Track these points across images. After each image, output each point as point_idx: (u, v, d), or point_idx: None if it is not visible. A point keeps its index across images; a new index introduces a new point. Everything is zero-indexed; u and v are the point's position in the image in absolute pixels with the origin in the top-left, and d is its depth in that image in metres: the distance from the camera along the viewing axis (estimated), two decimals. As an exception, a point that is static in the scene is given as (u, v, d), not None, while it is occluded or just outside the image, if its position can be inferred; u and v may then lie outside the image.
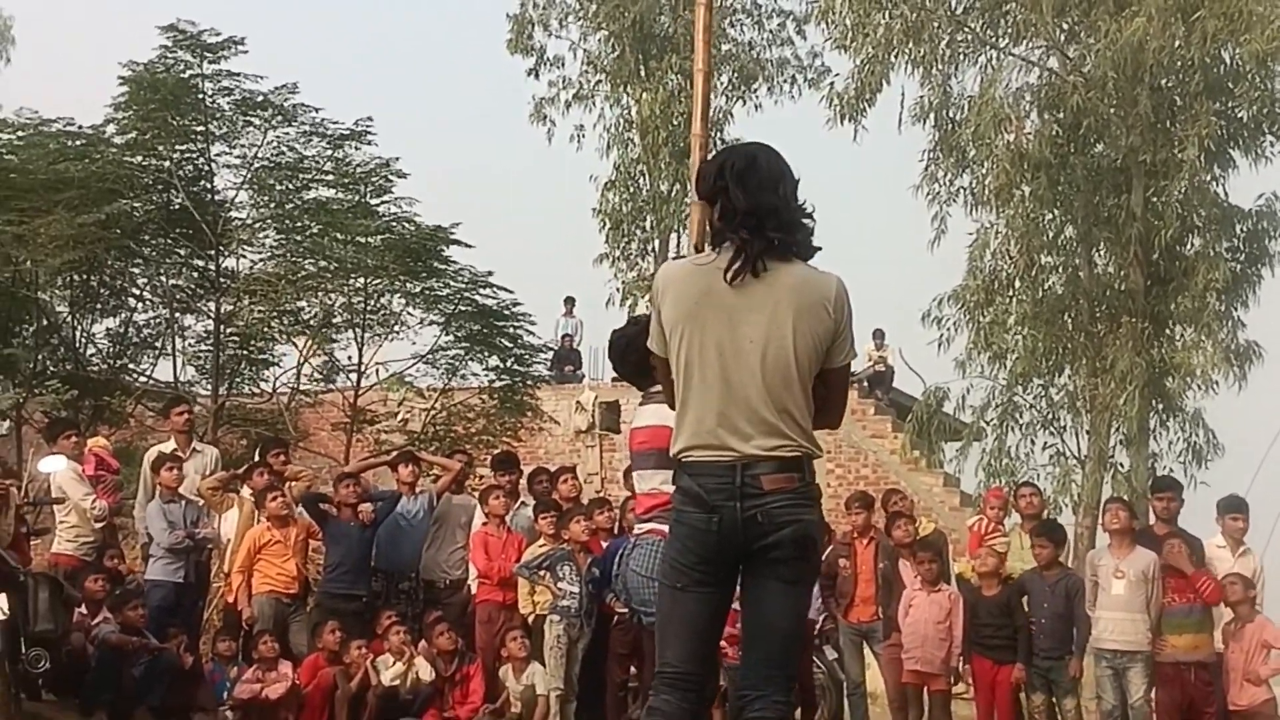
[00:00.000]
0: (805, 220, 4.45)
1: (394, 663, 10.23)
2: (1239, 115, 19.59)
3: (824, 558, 11.67)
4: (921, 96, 20.52)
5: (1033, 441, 20.01)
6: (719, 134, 25.72)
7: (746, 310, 4.35)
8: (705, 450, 4.39)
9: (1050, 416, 20.18)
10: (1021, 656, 9.50)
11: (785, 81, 25.63)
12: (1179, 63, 19.02)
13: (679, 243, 24.92)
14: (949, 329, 20.12)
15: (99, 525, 11.02)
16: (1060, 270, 20.53)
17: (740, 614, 4.57)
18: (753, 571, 4.45)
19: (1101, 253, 20.41)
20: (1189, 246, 19.74)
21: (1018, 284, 19.98)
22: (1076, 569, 10.77)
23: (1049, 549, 9.74)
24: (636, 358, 5.56)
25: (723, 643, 4.96)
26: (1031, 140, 19.41)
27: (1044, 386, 20.28)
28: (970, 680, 10.03)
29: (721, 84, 25.70)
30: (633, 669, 10.34)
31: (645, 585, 5.53)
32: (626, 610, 5.81)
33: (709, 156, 4.76)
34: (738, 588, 4.52)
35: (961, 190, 20.54)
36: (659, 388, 5.09)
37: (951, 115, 20.45)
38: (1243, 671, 8.84)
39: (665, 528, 5.03)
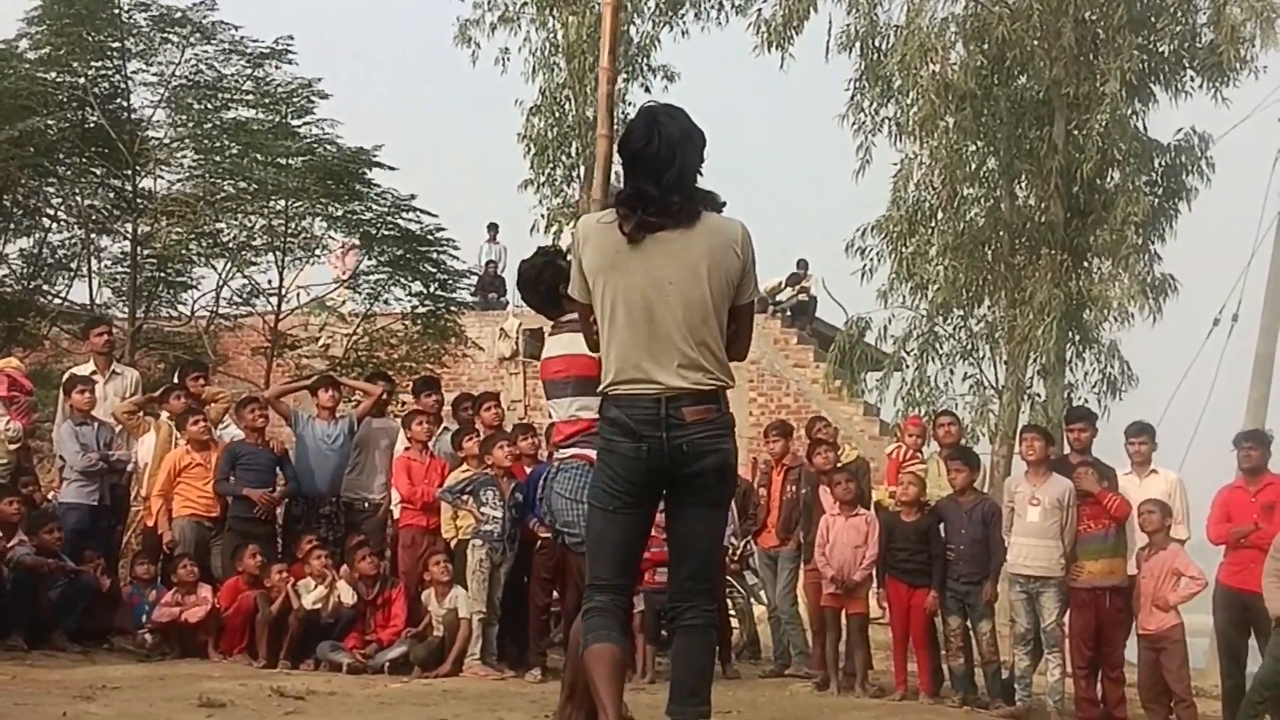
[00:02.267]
0: (699, 189, 4.85)
1: (315, 586, 10.21)
2: (1160, 50, 19.72)
3: (744, 486, 11.87)
4: (848, 25, 20.45)
5: (952, 371, 20.15)
6: (645, 60, 25.56)
7: (664, 256, 4.75)
8: (631, 384, 4.77)
9: (970, 347, 20.32)
10: (935, 582, 9.63)
11: (712, 7, 25.28)
12: (1103, -5, 19.12)
13: (623, 177, 24.71)
14: (872, 259, 20.17)
15: (13, 447, 10.87)
16: (982, 202, 20.59)
17: (667, 535, 4.93)
18: (677, 497, 4.85)
19: (1023, 185, 20.50)
20: (1109, 180, 19.87)
21: (940, 215, 20.02)
22: (993, 496, 10.92)
23: (965, 472, 9.86)
24: (545, 288, 5.92)
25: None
26: (956, 71, 19.42)
27: (964, 317, 20.40)
28: (886, 604, 10.17)
29: (648, 9, 25.43)
30: (554, 593, 10.43)
31: (570, 508, 5.63)
32: (550, 533, 5.83)
33: (618, 91, 4.95)
34: (660, 510, 4.91)
35: (886, 121, 20.53)
36: (570, 316, 5.60)
37: (878, 45, 20.39)
38: (1152, 597, 9.04)
39: (589, 452, 5.40)
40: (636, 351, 4.75)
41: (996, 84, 19.68)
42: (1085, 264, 19.84)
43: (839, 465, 10.69)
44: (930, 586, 9.64)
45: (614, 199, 4.92)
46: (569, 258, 5.99)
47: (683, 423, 4.72)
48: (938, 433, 11.11)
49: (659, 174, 4.78)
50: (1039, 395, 19.78)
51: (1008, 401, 19.55)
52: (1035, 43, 19.20)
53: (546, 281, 5.95)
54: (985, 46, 19.34)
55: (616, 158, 5.10)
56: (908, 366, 20.10)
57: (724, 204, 4.98)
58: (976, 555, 9.56)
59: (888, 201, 20.26)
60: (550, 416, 6.16)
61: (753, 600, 12.49)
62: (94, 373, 11.54)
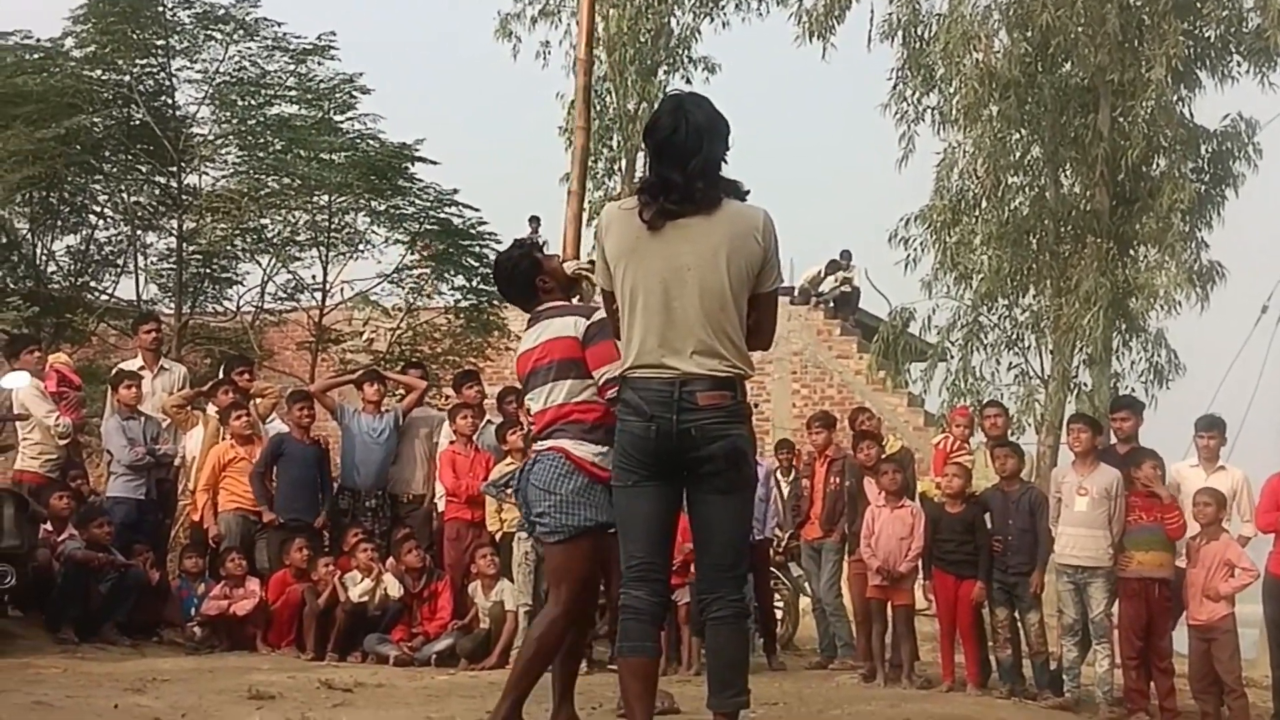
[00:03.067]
0: (723, 177, 4.89)
1: (362, 579, 10.26)
2: (1206, 35, 19.54)
3: (790, 477, 11.85)
4: (890, 14, 20.37)
5: (997, 361, 20.08)
6: (686, 52, 25.54)
7: (683, 242, 4.79)
8: (648, 369, 4.82)
9: (1015, 336, 20.23)
10: (981, 573, 9.56)
11: (753, -2, 25.33)
12: (1148, -19, 18.97)
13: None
14: (915, 249, 20.10)
15: (63, 442, 10.96)
16: (1026, 190, 20.49)
17: (690, 527, 4.99)
18: (692, 485, 4.90)
19: (1068, 173, 20.38)
20: (1155, 167, 19.72)
21: (984, 204, 19.92)
22: (1039, 486, 10.85)
23: (1014, 459, 9.79)
24: (522, 280, 5.95)
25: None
26: (1000, 59, 19.29)
27: (1009, 307, 20.31)
28: (932, 596, 10.12)
29: (689, 1, 25.45)
30: (601, 585, 10.42)
31: (543, 498, 5.62)
32: (528, 527, 5.92)
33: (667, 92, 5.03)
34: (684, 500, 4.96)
35: (929, 109, 20.45)
36: (546, 306, 5.80)
37: (920, 33, 20.29)
38: (1203, 587, 8.94)
39: (567, 443, 5.56)
40: (654, 337, 4.80)
41: (1040, 71, 19.57)
42: (1131, 252, 19.71)
43: (885, 456, 10.63)
44: (976, 577, 9.57)
45: (638, 186, 4.94)
46: (544, 251, 6.11)
47: (695, 406, 4.76)
48: (984, 424, 11.04)
49: (685, 161, 4.81)
50: (1085, 385, 19.66)
51: (1053, 391, 19.45)
52: (1079, 29, 19.07)
53: (522, 275, 5.96)
54: (1029, 33, 19.22)
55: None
56: (952, 357, 20.04)
57: (747, 192, 4.97)
58: (1024, 545, 9.48)
59: (931, 191, 20.21)
60: (528, 413, 6.14)
61: (797, 592, 12.45)
62: (142, 368, 11.64)
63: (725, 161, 4.95)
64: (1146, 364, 19.68)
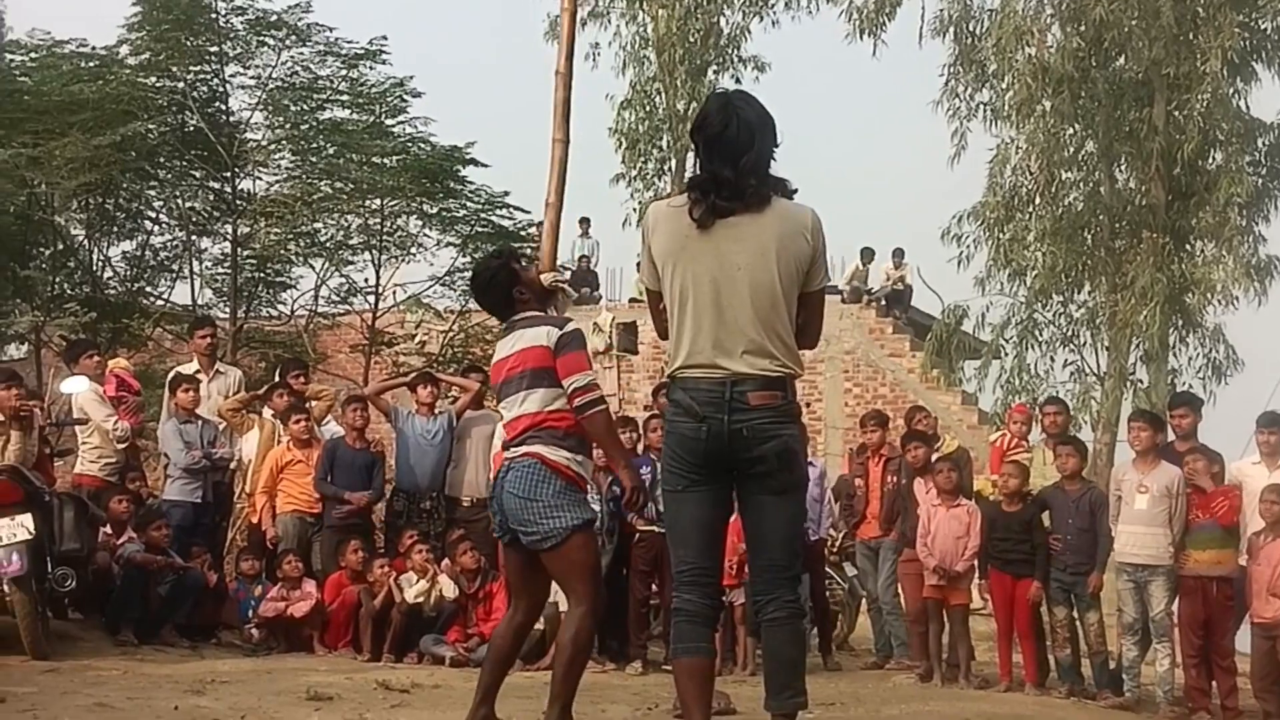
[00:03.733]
0: (771, 175, 4.85)
1: (417, 580, 10.28)
2: (1262, 27, 19.35)
3: (841, 476, 11.79)
4: (941, 10, 20.32)
5: (1052, 359, 19.97)
6: (736, 51, 25.51)
7: (733, 241, 4.75)
8: (699, 369, 4.79)
9: (1070, 333, 20.10)
10: (1039, 573, 9.48)
11: (803, -4, 25.25)
12: (1203, -27, 18.79)
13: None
14: (969, 246, 20.03)
15: (121, 446, 11.05)
16: (1081, 186, 20.35)
17: (743, 528, 4.98)
18: (744, 486, 4.88)
19: (1122, 168, 20.23)
20: (1210, 161, 19.54)
21: (1038, 200, 19.80)
22: (1097, 484, 10.75)
23: (1075, 458, 9.71)
24: (499, 290, 5.94)
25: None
26: (1053, 54, 19.16)
27: (1064, 303, 20.19)
28: (988, 595, 10.05)
29: (738, 0, 25.41)
30: (654, 586, 10.42)
31: (525, 507, 5.64)
32: (502, 531, 5.87)
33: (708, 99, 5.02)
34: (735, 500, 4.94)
35: (981, 106, 20.38)
36: (520, 315, 5.81)
37: (972, 29, 20.23)
38: (1268, 585, 8.82)
39: (542, 449, 5.59)
40: (704, 337, 4.77)
41: (1094, 66, 19.42)
42: (1187, 247, 19.53)
43: (941, 455, 10.56)
44: (1034, 577, 9.49)
45: (687, 183, 4.91)
46: (524, 260, 6.14)
47: (746, 407, 4.73)
48: (1044, 421, 10.94)
49: (737, 157, 4.77)
50: (1142, 381, 19.49)
51: (1110, 388, 19.30)
52: (1134, 23, 18.91)
53: (500, 285, 5.96)
54: (1082, 28, 19.08)
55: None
56: (1006, 354, 19.92)
57: (795, 190, 4.93)
58: (1083, 545, 9.40)
59: (984, 187, 20.09)
60: (502, 418, 6.14)
61: (853, 592, 12.39)
62: (198, 371, 11.72)
63: (775, 159, 4.92)
64: (1204, 360, 19.52)
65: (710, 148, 4.84)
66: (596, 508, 9.77)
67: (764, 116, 4.88)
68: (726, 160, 4.78)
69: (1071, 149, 20.18)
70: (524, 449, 5.68)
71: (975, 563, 9.84)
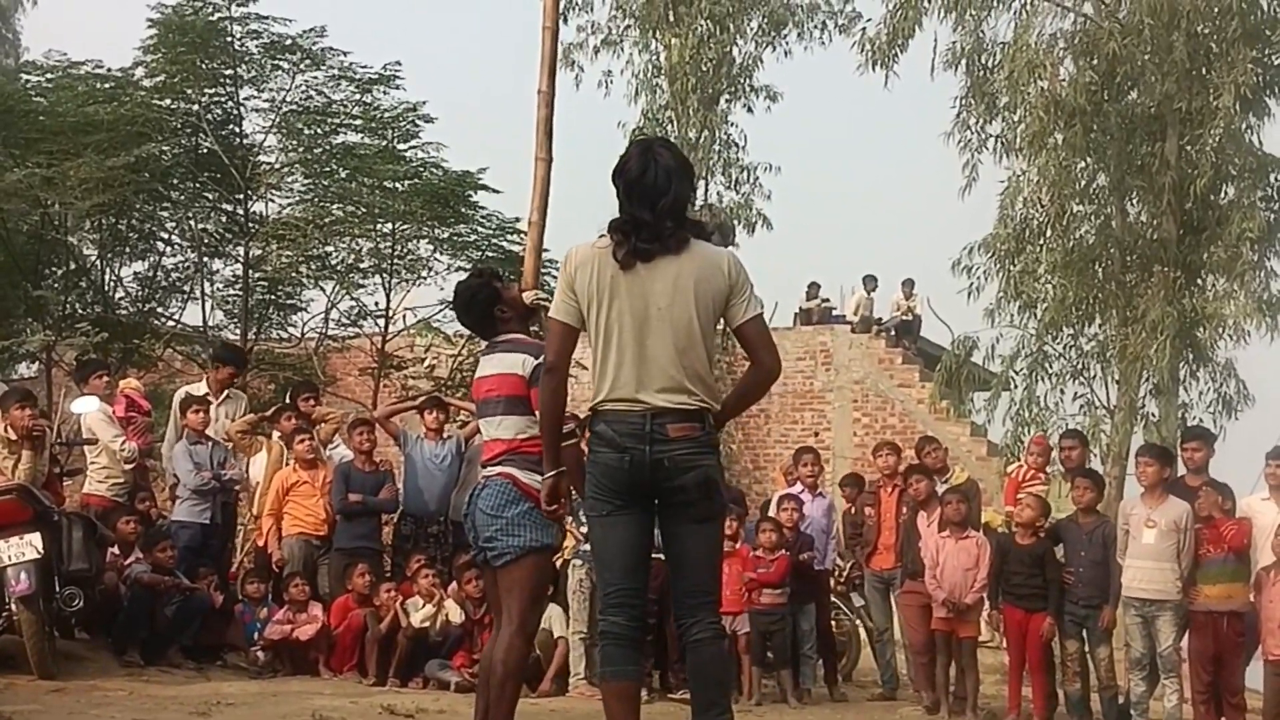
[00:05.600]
0: (689, 218, 5.05)
1: (424, 605, 10.28)
2: (1275, 62, 19.30)
3: (851, 505, 11.78)
4: (954, 43, 20.28)
5: (1062, 391, 19.86)
6: (748, 80, 25.55)
7: (653, 282, 4.94)
8: (620, 403, 4.96)
9: (1080, 366, 20.02)
10: (1052, 607, 9.45)
11: (816, 27, 25.30)
12: (1215, 9, 18.74)
13: (706, 191, 24.76)
14: (979, 278, 19.94)
15: (129, 467, 11.07)
16: (1092, 219, 20.30)
17: (665, 554, 5.10)
18: (666, 515, 5.03)
19: (1134, 201, 20.18)
20: (1223, 195, 19.50)
21: (1049, 233, 19.75)
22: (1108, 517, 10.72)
23: (1093, 492, 9.68)
24: (480, 309, 6.10)
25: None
26: (1065, 87, 19.15)
27: (1074, 336, 20.11)
28: (1000, 629, 10.01)
29: (751, 29, 25.48)
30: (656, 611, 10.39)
31: (490, 523, 5.80)
32: (476, 550, 6.01)
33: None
34: (656, 531, 5.09)
35: (993, 138, 20.34)
36: (504, 337, 6.00)
37: (984, 62, 20.20)
38: (1279, 621, 8.78)
39: (515, 471, 5.77)
40: (626, 373, 4.94)
41: (1107, 99, 19.40)
42: (1199, 281, 19.47)
43: (950, 486, 10.54)
44: (1046, 611, 9.44)
45: (609, 225, 5.04)
46: (503, 280, 6.22)
47: (666, 438, 4.90)
48: (1060, 455, 10.91)
49: (654, 201, 4.96)
50: (1152, 415, 19.42)
51: (1120, 422, 19.23)
52: (1146, 57, 18.91)
53: (481, 303, 6.10)
54: (1095, 62, 19.07)
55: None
56: (1016, 386, 19.85)
57: (712, 233, 5.17)
58: (1096, 578, 9.36)
59: (995, 219, 20.07)
60: (481, 435, 6.26)
61: (858, 622, 12.35)
62: (206, 394, 11.73)
63: (691, 203, 5.15)
64: (1214, 394, 19.41)
65: (630, 191, 5.00)
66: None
67: (683, 163, 5.10)
68: (644, 203, 4.96)
69: (1083, 182, 20.14)
70: (499, 469, 5.87)
71: (984, 595, 9.81)
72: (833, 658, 11.22)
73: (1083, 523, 9.56)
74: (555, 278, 16.82)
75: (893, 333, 24.36)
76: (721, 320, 5.04)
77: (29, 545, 8.63)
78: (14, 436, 9.33)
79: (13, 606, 8.65)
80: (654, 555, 5.14)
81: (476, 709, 5.86)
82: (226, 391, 12.06)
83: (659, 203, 4.96)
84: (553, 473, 5.30)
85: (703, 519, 5.01)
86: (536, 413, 5.60)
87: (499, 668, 5.73)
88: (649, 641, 10.45)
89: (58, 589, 8.96)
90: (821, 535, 11.08)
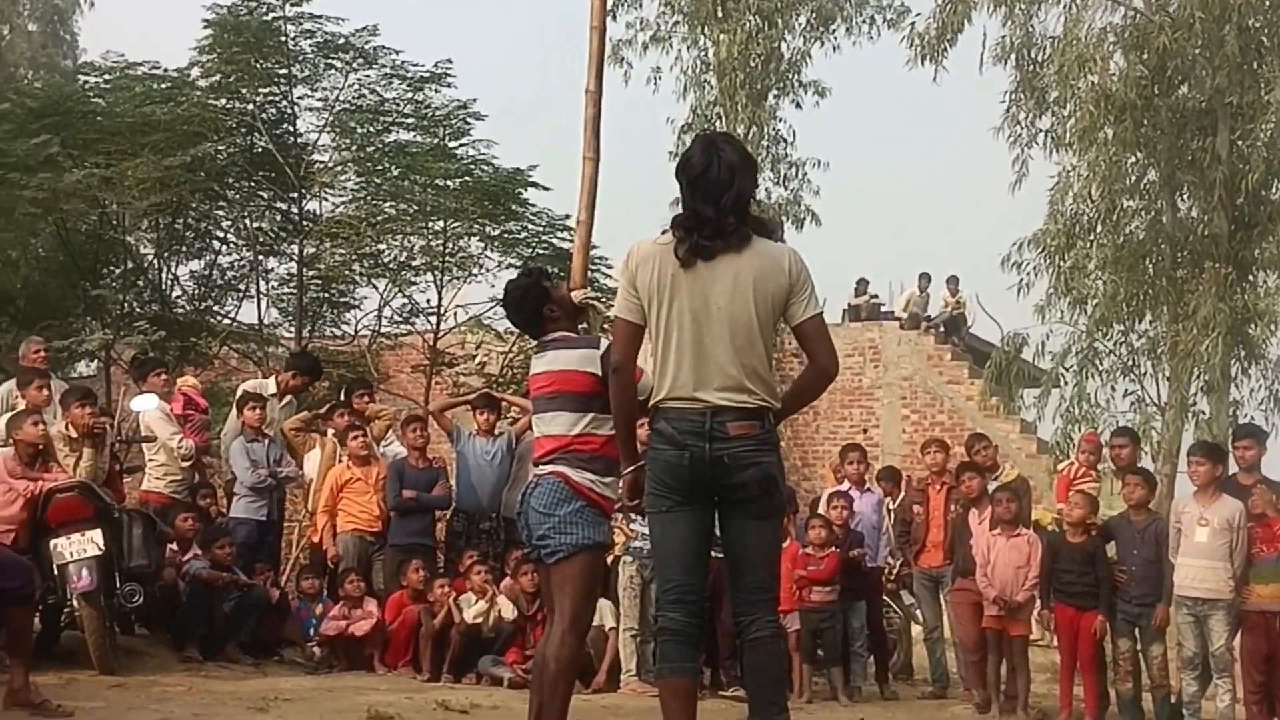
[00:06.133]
0: (752, 214, 5.05)
1: (476, 601, 10.36)
2: (1328, 56, 19.15)
3: (898, 503, 11.79)
4: (1003, 37, 20.24)
5: (1113, 388, 19.79)
6: (796, 76, 25.50)
7: (714, 280, 4.95)
8: (680, 401, 4.98)
9: (1131, 363, 19.93)
10: (1103, 605, 9.44)
11: (864, 22, 25.18)
12: (1267, 2, 18.63)
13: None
14: (1029, 274, 19.90)
15: (186, 464, 11.21)
16: (1143, 214, 20.19)
17: (724, 551, 5.11)
18: (726, 513, 5.06)
19: (1185, 197, 20.06)
20: (1275, 191, 19.36)
21: (1099, 228, 19.67)
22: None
23: (1144, 489, 9.65)
24: (530, 308, 6.11)
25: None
26: (1115, 81, 19.06)
27: (1124, 332, 20.02)
28: (1052, 627, 10.00)
29: (799, 25, 25.43)
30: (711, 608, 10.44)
31: (543, 521, 5.82)
32: (529, 547, 6.05)
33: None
34: (716, 529, 5.11)
35: (1042, 133, 20.27)
36: (553, 335, 6.01)
37: (1034, 56, 20.14)
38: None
39: (567, 469, 5.78)
40: (685, 372, 4.96)
41: (1157, 94, 19.29)
42: (1251, 277, 19.35)
43: (1000, 484, 10.54)
44: (1098, 609, 9.43)
45: (671, 221, 5.07)
46: (552, 279, 6.25)
47: (726, 436, 4.92)
48: (1111, 453, 10.87)
49: (717, 196, 4.97)
50: (1203, 412, 19.30)
51: (1171, 419, 19.12)
52: (1197, 51, 18.79)
53: (530, 302, 6.12)
54: (1145, 56, 18.97)
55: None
56: (1066, 383, 19.77)
57: (775, 229, 5.15)
58: (1149, 576, 9.33)
59: (1045, 215, 19.99)
60: (534, 431, 6.30)
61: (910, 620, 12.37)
62: (274, 394, 11.87)
63: (754, 199, 5.16)
64: (1266, 391, 19.31)
65: (693, 187, 5.02)
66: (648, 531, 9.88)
67: (746, 158, 5.09)
68: (708, 199, 4.97)
69: (1133, 177, 20.03)
70: (550, 467, 5.89)
71: (1035, 593, 9.80)
72: (884, 655, 11.25)
73: (1135, 520, 9.54)
74: (604, 276, 17.12)
75: (941, 329, 24.30)
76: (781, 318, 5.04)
77: (90, 542, 8.75)
78: (75, 434, 9.50)
79: (74, 602, 8.78)
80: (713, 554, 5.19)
81: (531, 705, 5.92)
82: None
83: (722, 198, 4.96)
84: (631, 467, 5.34)
85: (762, 516, 5.05)
86: (595, 404, 5.72)
87: (551, 664, 5.78)
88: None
89: (118, 585, 9.09)
90: (873, 531, 11.09)
